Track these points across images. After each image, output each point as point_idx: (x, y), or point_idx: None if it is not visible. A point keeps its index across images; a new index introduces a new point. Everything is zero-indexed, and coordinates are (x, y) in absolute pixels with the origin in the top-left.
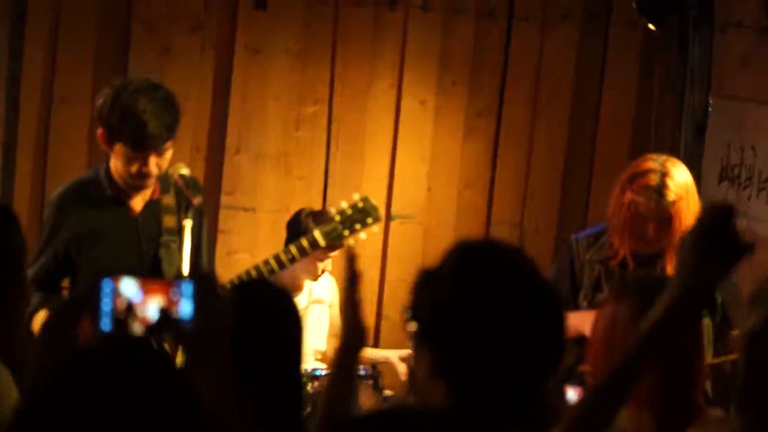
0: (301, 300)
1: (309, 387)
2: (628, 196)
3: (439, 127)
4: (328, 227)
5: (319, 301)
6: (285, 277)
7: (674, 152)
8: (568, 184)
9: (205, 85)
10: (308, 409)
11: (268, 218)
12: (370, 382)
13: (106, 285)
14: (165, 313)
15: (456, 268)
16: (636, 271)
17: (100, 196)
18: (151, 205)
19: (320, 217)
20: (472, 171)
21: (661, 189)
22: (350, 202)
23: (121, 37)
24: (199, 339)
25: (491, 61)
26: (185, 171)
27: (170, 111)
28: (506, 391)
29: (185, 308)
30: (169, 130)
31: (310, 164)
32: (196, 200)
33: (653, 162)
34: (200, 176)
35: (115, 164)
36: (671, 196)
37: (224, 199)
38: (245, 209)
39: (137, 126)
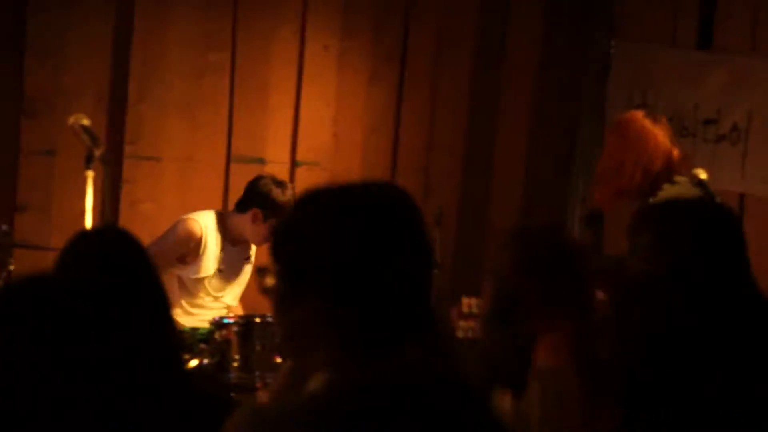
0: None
1: (217, 335)
2: None
3: (343, 72)
4: None
5: (248, 260)
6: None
7: (579, 93)
8: (472, 128)
9: (106, 34)
10: (216, 358)
11: (173, 167)
12: None
13: None
14: None
15: (328, 215)
16: None
17: None
18: None
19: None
20: (377, 115)
21: None
22: None
23: None
24: None
25: (394, 5)
26: (86, 121)
27: None
28: (399, 315)
29: None
30: None
31: (214, 112)
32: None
33: None
34: (103, 126)
35: None
36: None
37: (128, 149)
38: (149, 158)
39: None
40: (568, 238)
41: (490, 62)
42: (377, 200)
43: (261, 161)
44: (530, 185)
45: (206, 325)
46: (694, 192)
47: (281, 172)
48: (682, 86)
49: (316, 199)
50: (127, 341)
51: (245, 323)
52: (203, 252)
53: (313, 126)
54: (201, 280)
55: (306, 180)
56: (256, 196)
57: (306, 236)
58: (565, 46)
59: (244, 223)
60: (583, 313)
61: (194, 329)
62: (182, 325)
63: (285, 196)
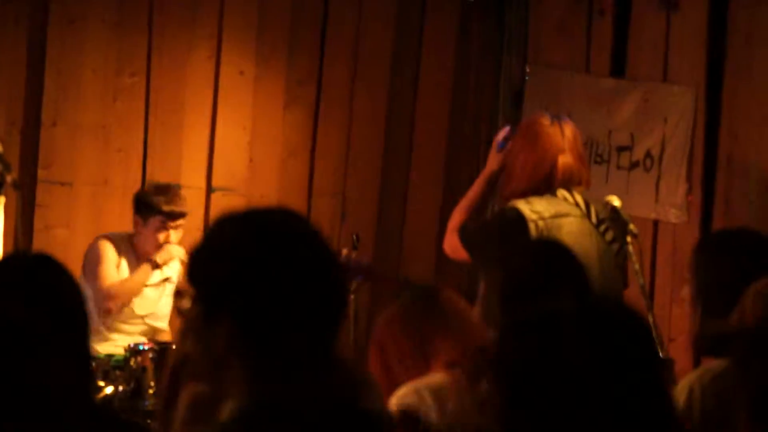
0: (153, 276)
1: (132, 362)
2: None
3: (258, 97)
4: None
5: (168, 280)
6: (141, 252)
7: (493, 119)
8: (389, 152)
9: (19, 57)
10: (132, 385)
11: (86, 192)
12: None
13: None
14: None
15: (241, 240)
16: None
17: None
18: None
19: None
20: (293, 140)
21: None
22: None
23: None
24: None
25: (309, 29)
26: None
27: None
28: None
29: None
30: None
31: (128, 136)
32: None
33: None
34: (16, 150)
35: None
36: None
37: (41, 173)
38: (62, 183)
39: None
40: (447, 300)
41: (405, 87)
42: (290, 228)
43: (177, 186)
44: (446, 210)
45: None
46: (559, 209)
47: (197, 197)
48: (596, 113)
49: (230, 223)
50: (41, 368)
51: (161, 350)
52: (120, 266)
53: (229, 151)
54: None
55: (222, 205)
56: (133, 205)
57: (218, 261)
58: (479, 71)
59: (137, 235)
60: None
61: (109, 356)
62: (97, 352)
63: (153, 194)
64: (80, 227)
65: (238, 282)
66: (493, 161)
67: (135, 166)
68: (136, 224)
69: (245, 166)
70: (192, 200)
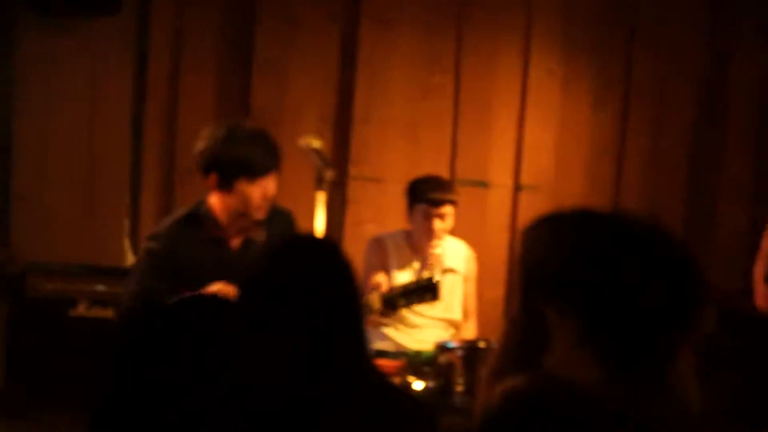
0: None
1: (441, 359)
2: None
3: (567, 96)
4: (387, 294)
5: (451, 271)
6: (416, 245)
7: None
8: (696, 155)
9: (332, 54)
10: (441, 381)
11: (396, 189)
12: None
13: None
14: None
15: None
16: None
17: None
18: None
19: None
20: (601, 140)
21: None
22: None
23: (247, 10)
24: None
25: (618, 32)
26: (317, 144)
27: None
28: None
29: None
30: None
31: (437, 133)
32: (329, 173)
33: None
34: (328, 146)
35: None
36: None
37: (352, 170)
38: (373, 180)
39: None
40: None
41: (713, 89)
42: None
43: (484, 184)
44: (756, 210)
45: (426, 346)
46: None
47: (504, 195)
48: None
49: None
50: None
51: (469, 348)
52: (389, 268)
53: (536, 150)
54: None
55: (528, 204)
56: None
57: (552, 254)
58: None
59: (412, 227)
60: None
61: (418, 352)
62: (406, 347)
63: (418, 182)
64: (390, 223)
65: (582, 280)
66: None
67: (443, 163)
68: (408, 215)
69: (552, 165)
70: (499, 198)
